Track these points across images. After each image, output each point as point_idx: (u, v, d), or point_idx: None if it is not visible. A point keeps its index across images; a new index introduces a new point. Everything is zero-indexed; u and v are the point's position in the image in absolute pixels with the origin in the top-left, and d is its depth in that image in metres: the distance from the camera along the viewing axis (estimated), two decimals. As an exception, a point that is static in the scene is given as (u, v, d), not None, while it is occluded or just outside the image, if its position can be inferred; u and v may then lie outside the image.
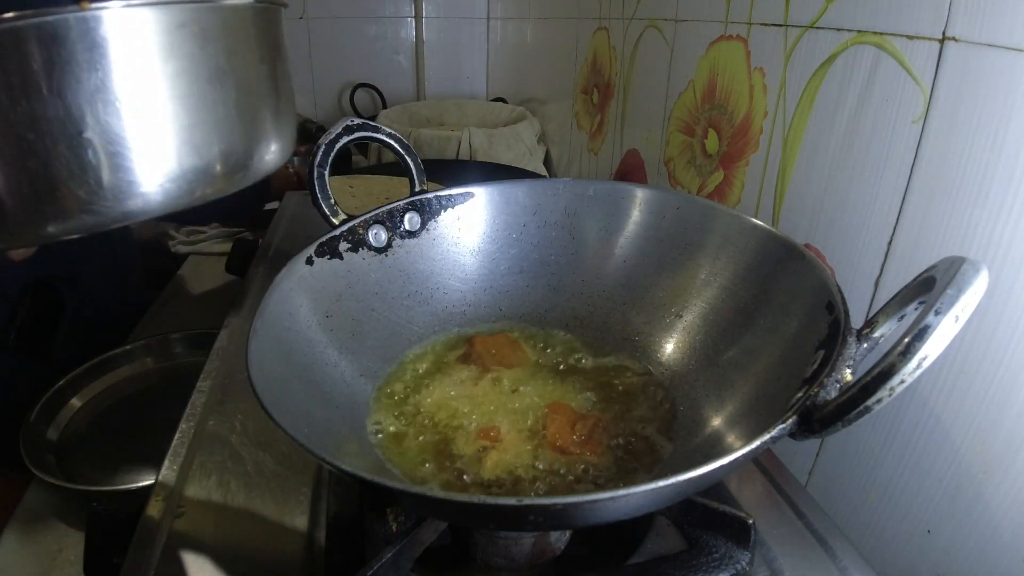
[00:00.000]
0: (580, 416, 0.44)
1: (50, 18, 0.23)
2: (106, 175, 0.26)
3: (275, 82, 0.33)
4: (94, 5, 0.23)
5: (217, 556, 0.41)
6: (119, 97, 0.25)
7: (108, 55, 0.24)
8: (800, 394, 0.31)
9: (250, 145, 0.32)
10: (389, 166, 1.15)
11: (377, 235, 0.51)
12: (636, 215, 0.53)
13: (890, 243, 0.48)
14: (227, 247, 1.01)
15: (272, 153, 0.33)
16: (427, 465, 0.41)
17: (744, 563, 0.40)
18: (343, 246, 0.48)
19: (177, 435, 0.51)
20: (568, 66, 1.17)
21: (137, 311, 1.01)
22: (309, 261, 0.46)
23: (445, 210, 0.53)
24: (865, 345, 0.34)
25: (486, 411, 0.45)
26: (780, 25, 0.57)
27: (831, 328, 0.35)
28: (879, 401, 0.27)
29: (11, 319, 0.80)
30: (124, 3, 0.24)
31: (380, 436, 0.43)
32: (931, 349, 0.26)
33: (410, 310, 0.52)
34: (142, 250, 1.12)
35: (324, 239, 0.47)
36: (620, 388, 0.47)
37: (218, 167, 0.30)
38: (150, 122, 0.27)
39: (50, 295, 0.85)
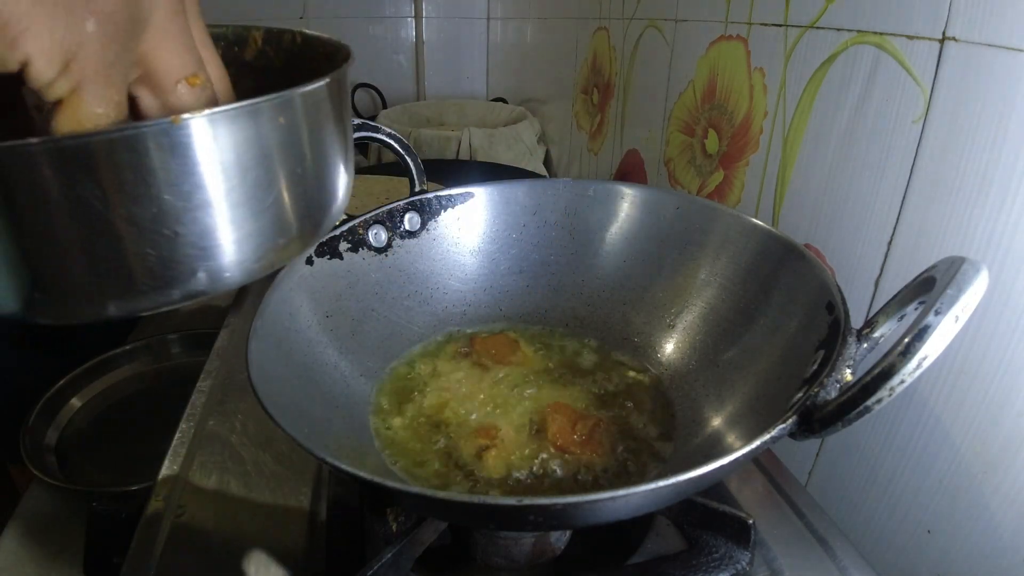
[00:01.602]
0: (581, 416, 0.44)
1: (138, 131, 0.24)
2: (191, 263, 0.27)
3: (346, 136, 0.34)
4: (184, 116, 0.24)
5: (217, 556, 0.41)
6: (212, 193, 0.26)
7: (198, 158, 0.25)
8: (800, 394, 0.31)
9: (327, 205, 0.33)
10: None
11: (377, 235, 0.51)
12: (636, 215, 0.53)
13: (890, 243, 0.48)
14: (227, 247, 1.01)
15: (342, 204, 0.34)
16: (427, 465, 0.41)
17: (744, 563, 0.40)
18: (343, 246, 0.48)
19: (177, 435, 0.51)
20: (568, 66, 1.17)
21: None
22: (309, 261, 0.46)
23: (445, 210, 0.53)
24: (865, 345, 0.34)
25: (486, 411, 0.45)
26: (780, 25, 0.57)
27: (831, 328, 0.35)
28: (879, 401, 0.27)
29: None
30: (210, 111, 0.25)
31: (380, 436, 0.43)
32: (931, 349, 0.26)
33: (410, 310, 0.52)
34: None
35: (324, 239, 0.47)
36: (620, 388, 0.47)
37: (297, 236, 0.31)
38: (242, 211, 0.27)
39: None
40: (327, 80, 0.29)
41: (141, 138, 0.23)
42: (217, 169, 0.26)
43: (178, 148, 0.24)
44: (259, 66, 0.36)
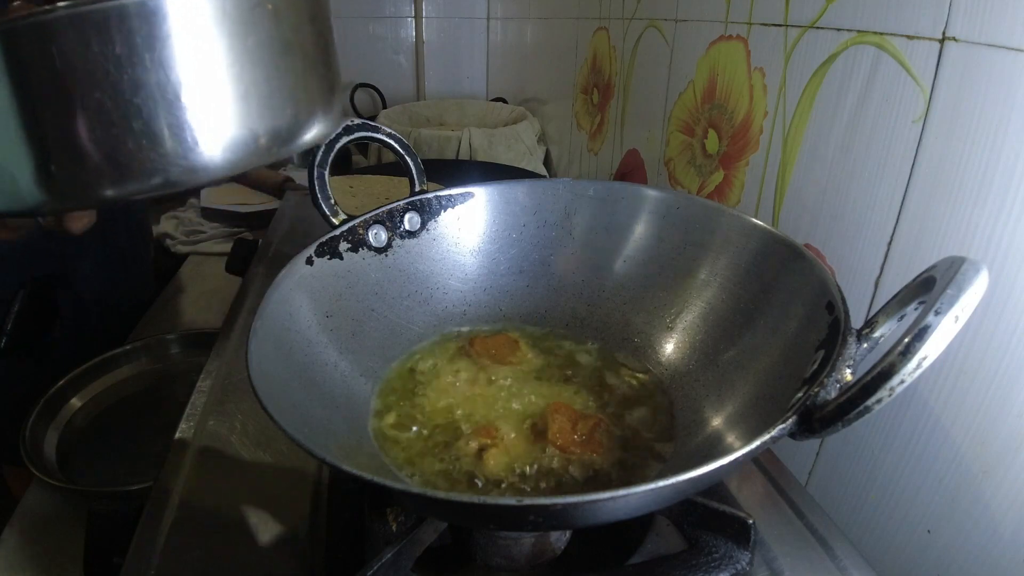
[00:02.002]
0: (581, 416, 0.44)
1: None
2: (187, 137, 0.30)
3: (329, 54, 0.37)
4: None
5: (217, 556, 0.41)
6: (204, 69, 0.29)
7: (196, 32, 0.29)
8: (800, 394, 0.31)
9: (305, 115, 0.36)
10: (389, 166, 1.15)
11: (377, 235, 0.51)
12: (636, 215, 0.53)
13: (890, 243, 0.48)
14: (227, 247, 1.01)
15: (319, 126, 0.37)
16: (427, 465, 0.41)
17: (744, 563, 0.40)
18: (343, 246, 0.48)
19: (177, 435, 0.51)
20: (568, 66, 1.17)
21: (137, 311, 1.01)
22: (309, 261, 0.46)
23: (445, 210, 0.53)
24: (865, 345, 0.34)
25: (486, 411, 0.45)
26: (780, 25, 0.57)
27: (831, 328, 0.35)
28: (879, 401, 0.27)
29: (3, 322, 0.80)
30: None
31: (380, 436, 0.43)
32: (931, 349, 0.26)
33: (410, 310, 0.52)
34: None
35: (324, 239, 0.47)
36: (621, 388, 0.47)
37: (273, 135, 0.33)
38: (229, 91, 0.31)
39: (44, 297, 0.85)
40: None
41: (150, 4, 0.27)
42: (209, 44, 0.29)
43: (181, 17, 0.28)
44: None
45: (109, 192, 0.29)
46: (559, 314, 0.54)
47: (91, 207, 0.35)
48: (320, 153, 0.48)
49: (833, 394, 0.30)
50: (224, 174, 0.31)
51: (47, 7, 0.26)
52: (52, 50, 0.26)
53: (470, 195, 0.54)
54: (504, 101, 1.55)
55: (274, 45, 0.32)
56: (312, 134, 0.35)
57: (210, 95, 0.29)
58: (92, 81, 0.27)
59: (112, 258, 0.96)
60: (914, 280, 0.33)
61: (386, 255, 0.51)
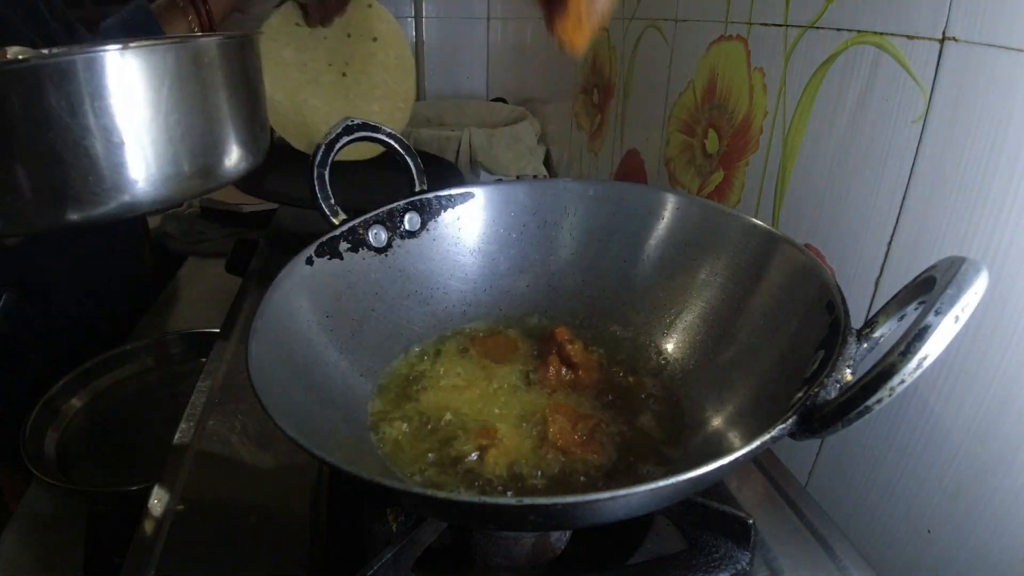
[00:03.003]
0: (581, 416, 0.44)
1: (95, 54, 0.32)
2: (114, 178, 0.34)
3: (256, 98, 0.44)
4: (132, 44, 0.34)
5: (217, 556, 0.41)
6: (147, 116, 0.34)
7: (138, 83, 0.34)
8: (800, 394, 0.31)
9: (234, 153, 0.42)
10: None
11: (377, 235, 0.51)
12: (636, 215, 0.53)
13: (890, 243, 0.48)
14: (227, 247, 1.01)
15: (247, 160, 0.44)
16: (427, 465, 0.41)
17: (744, 563, 0.40)
18: (343, 246, 0.48)
19: (177, 435, 0.51)
20: (568, 66, 1.17)
21: (137, 311, 1.01)
22: (309, 261, 0.46)
23: (445, 210, 0.53)
24: (865, 345, 0.34)
25: (486, 411, 0.45)
26: (780, 25, 0.57)
27: (831, 328, 0.35)
28: (879, 401, 0.27)
29: None
30: (154, 40, 0.36)
31: (380, 436, 0.43)
32: (931, 349, 0.26)
33: (410, 310, 0.52)
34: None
35: (324, 239, 0.47)
36: (620, 388, 0.47)
37: (206, 171, 0.40)
38: (158, 135, 0.35)
39: (37, 298, 0.85)
40: (219, 39, 0.39)
41: (78, 62, 0.31)
42: (138, 94, 0.33)
43: (103, 72, 0.32)
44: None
45: (53, 222, 0.34)
46: (559, 314, 0.54)
47: (37, 234, 0.41)
48: (320, 153, 0.48)
49: (833, 394, 0.30)
50: (159, 207, 0.36)
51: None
52: (8, 97, 0.30)
53: (470, 195, 0.54)
54: (504, 101, 1.55)
55: (206, 94, 0.37)
56: (240, 167, 0.41)
57: (148, 139, 0.34)
58: (46, 125, 0.31)
59: (106, 258, 0.95)
60: (914, 280, 0.33)
61: (386, 255, 0.51)
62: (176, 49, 0.34)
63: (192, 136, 0.37)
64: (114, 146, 0.33)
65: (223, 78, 0.39)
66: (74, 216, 0.33)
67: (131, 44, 0.32)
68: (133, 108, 0.33)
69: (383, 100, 0.89)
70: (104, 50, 0.31)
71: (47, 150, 0.31)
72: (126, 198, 0.34)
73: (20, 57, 0.31)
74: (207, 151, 0.39)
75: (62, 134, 0.31)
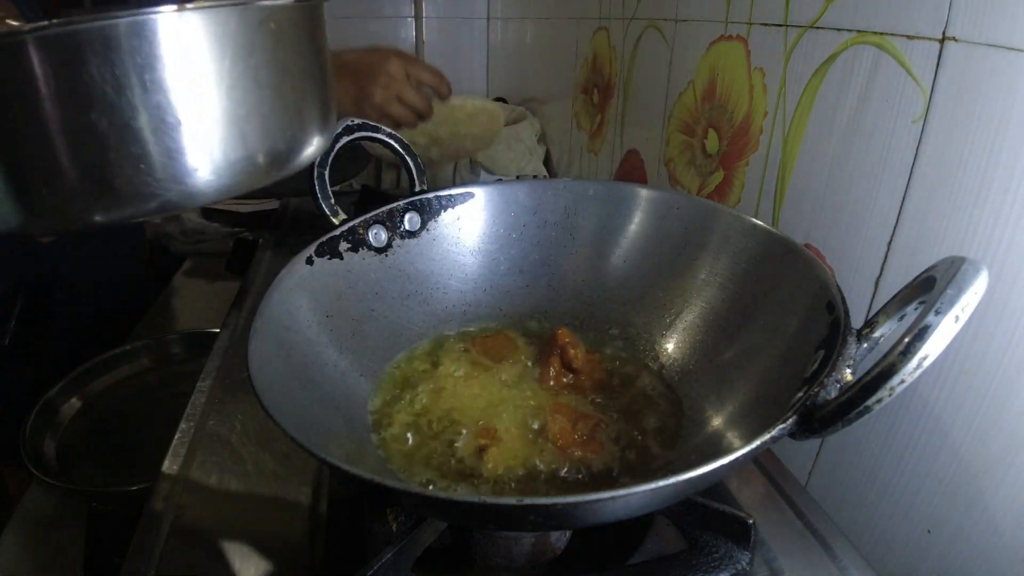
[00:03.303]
0: (582, 416, 0.44)
1: (145, 17, 0.26)
2: (170, 165, 0.29)
3: (326, 72, 0.37)
4: (189, 5, 0.27)
5: (217, 556, 0.41)
6: (202, 92, 0.28)
7: (196, 53, 0.28)
8: (800, 394, 0.31)
9: (303, 135, 0.35)
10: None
11: (377, 235, 0.51)
12: (636, 215, 0.53)
13: (890, 243, 0.48)
14: (227, 247, 1.01)
15: (316, 145, 0.36)
16: (427, 465, 0.41)
17: (744, 563, 0.40)
18: (343, 246, 0.48)
19: (177, 435, 0.51)
20: (568, 66, 1.17)
21: (137, 311, 1.01)
22: (309, 261, 0.46)
23: (445, 210, 0.53)
24: (865, 345, 0.34)
25: (486, 411, 0.45)
26: (780, 25, 0.57)
27: (831, 328, 0.35)
28: (879, 401, 0.27)
29: (3, 321, 0.80)
30: (214, 3, 0.28)
31: (380, 435, 0.43)
32: (931, 349, 0.26)
33: (410, 310, 0.52)
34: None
35: (324, 239, 0.47)
36: (621, 388, 0.47)
37: (269, 158, 0.33)
38: (228, 114, 0.30)
39: (42, 297, 0.85)
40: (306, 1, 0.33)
41: (144, 23, 0.26)
42: (212, 65, 0.28)
43: (178, 37, 0.27)
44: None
45: (100, 217, 0.28)
46: (559, 314, 0.54)
47: (83, 230, 0.33)
48: (320, 153, 0.48)
49: (833, 394, 0.30)
50: (221, 198, 0.31)
51: (30, 25, 0.25)
52: (42, 69, 0.25)
53: (470, 195, 0.54)
54: (504, 101, 1.55)
55: (273, 67, 0.31)
56: (309, 152, 0.35)
57: (208, 119, 0.29)
58: (87, 102, 0.26)
59: (106, 258, 0.95)
60: (914, 280, 0.33)
61: (386, 255, 0.51)
62: (241, 12, 0.29)
63: (259, 115, 0.31)
64: (169, 127, 0.28)
65: (292, 48, 0.33)
66: (124, 211, 0.29)
67: (188, 6, 0.27)
68: (191, 82, 0.28)
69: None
70: (155, 12, 0.26)
71: (88, 133, 0.26)
72: (184, 188, 0.29)
73: (53, 21, 0.25)
74: (276, 133, 0.33)
75: (106, 113, 0.26)
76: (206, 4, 0.28)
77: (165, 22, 0.26)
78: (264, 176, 0.32)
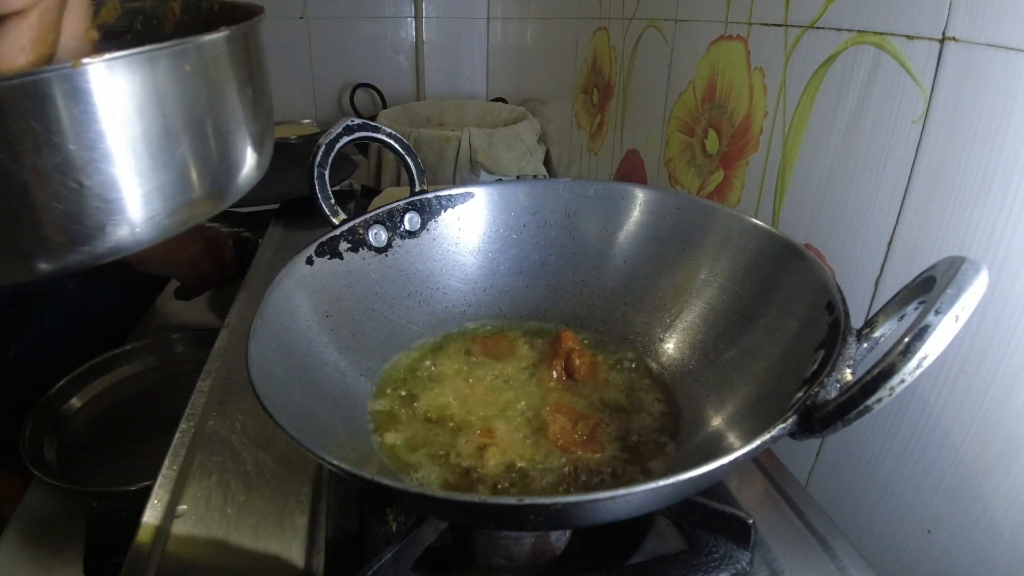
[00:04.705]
0: (582, 416, 0.44)
1: (45, 75, 0.24)
2: (99, 217, 0.27)
3: (260, 100, 0.34)
4: (85, 60, 0.24)
5: (217, 556, 0.41)
6: (116, 143, 0.26)
7: (101, 105, 0.25)
8: (800, 394, 0.31)
9: (236, 168, 0.33)
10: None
11: (377, 235, 0.51)
12: (636, 215, 0.53)
13: (890, 243, 0.48)
14: (227, 247, 1.01)
15: (254, 171, 0.35)
16: (427, 464, 0.41)
17: (744, 563, 0.40)
18: (343, 246, 0.48)
19: (177, 435, 0.51)
20: (568, 66, 1.17)
21: (137, 311, 1.01)
22: (309, 261, 0.46)
23: (445, 210, 0.53)
24: (865, 345, 0.34)
25: (486, 411, 0.45)
26: (780, 25, 0.57)
27: (831, 328, 0.35)
28: (879, 401, 0.27)
29: (7, 334, 0.79)
30: (115, 54, 0.25)
31: (380, 435, 0.43)
32: (931, 349, 0.26)
33: (410, 310, 0.52)
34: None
35: (324, 239, 0.47)
36: (621, 388, 0.47)
37: (206, 195, 0.31)
38: (147, 163, 0.28)
39: (42, 297, 0.85)
40: (226, 33, 0.30)
41: (44, 83, 0.23)
42: (119, 116, 0.26)
43: (79, 93, 0.24)
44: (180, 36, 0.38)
45: (45, 266, 0.27)
46: (559, 314, 0.54)
47: (30, 279, 0.31)
48: (320, 153, 0.48)
49: (833, 394, 0.30)
50: (158, 240, 0.29)
51: None
52: None
53: (470, 195, 0.54)
54: (504, 101, 1.55)
55: (195, 109, 0.29)
56: (245, 183, 0.34)
57: (136, 169, 0.27)
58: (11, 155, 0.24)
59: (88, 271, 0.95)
60: (914, 280, 0.33)
61: (386, 255, 0.51)
62: (142, 60, 0.26)
63: (199, 151, 0.29)
64: (72, 191, 0.25)
65: (215, 85, 0.30)
66: (64, 262, 0.26)
67: (110, 55, 0.25)
68: (121, 132, 0.26)
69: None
70: (46, 71, 0.23)
71: (4, 196, 0.24)
72: (112, 240, 0.27)
73: None
74: (207, 172, 0.30)
75: (27, 175, 0.24)
76: (103, 57, 0.25)
77: (58, 81, 0.24)
78: (201, 216, 0.31)
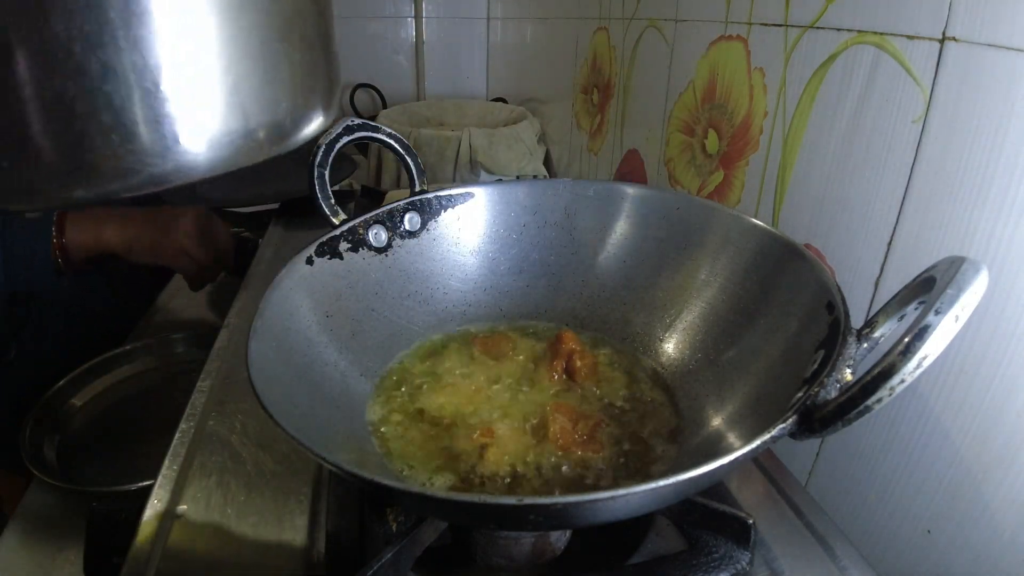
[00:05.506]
0: (582, 416, 0.44)
1: None
2: (167, 133, 0.25)
3: (330, 40, 0.32)
4: None
5: (217, 556, 0.41)
6: (190, 53, 0.25)
7: (183, 7, 0.24)
8: (800, 394, 0.31)
9: (308, 113, 0.31)
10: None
11: (377, 235, 0.51)
12: (636, 215, 0.53)
13: (890, 243, 0.48)
14: (227, 247, 1.01)
15: (316, 126, 0.32)
16: (427, 464, 0.41)
17: (744, 563, 0.40)
18: (343, 246, 0.48)
19: (177, 435, 0.51)
20: (568, 66, 1.17)
21: (137, 311, 1.01)
22: (309, 261, 0.46)
23: (445, 210, 0.53)
24: (865, 345, 0.34)
25: (486, 411, 0.45)
26: (780, 25, 0.57)
27: (831, 328, 0.35)
28: (879, 401, 0.27)
29: (7, 335, 0.79)
30: None
31: (380, 435, 0.43)
32: (931, 349, 0.26)
33: (410, 310, 0.52)
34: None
35: (324, 239, 0.47)
36: (621, 388, 0.47)
37: (268, 130, 0.29)
38: (219, 80, 0.26)
39: (41, 298, 0.85)
40: None
41: None
42: (198, 21, 0.25)
43: None
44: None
45: (82, 193, 0.25)
46: (559, 314, 0.54)
47: (66, 207, 0.29)
48: (320, 153, 0.48)
49: (833, 394, 0.30)
50: (210, 174, 0.27)
51: None
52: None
53: (470, 195, 0.54)
54: (504, 101, 1.55)
55: (272, 26, 0.27)
56: (310, 130, 0.31)
57: (196, 84, 0.25)
58: (52, 64, 0.22)
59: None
60: (914, 280, 0.33)
61: (386, 255, 0.51)
62: None
63: (256, 80, 0.27)
64: (148, 93, 0.24)
65: (293, 7, 0.28)
66: (107, 187, 0.25)
67: None
68: (175, 40, 0.24)
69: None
70: None
71: (54, 100, 0.23)
72: (170, 162, 0.25)
73: None
74: (275, 102, 0.29)
75: (72, 77, 0.22)
76: None
77: None
78: (258, 152, 0.29)
